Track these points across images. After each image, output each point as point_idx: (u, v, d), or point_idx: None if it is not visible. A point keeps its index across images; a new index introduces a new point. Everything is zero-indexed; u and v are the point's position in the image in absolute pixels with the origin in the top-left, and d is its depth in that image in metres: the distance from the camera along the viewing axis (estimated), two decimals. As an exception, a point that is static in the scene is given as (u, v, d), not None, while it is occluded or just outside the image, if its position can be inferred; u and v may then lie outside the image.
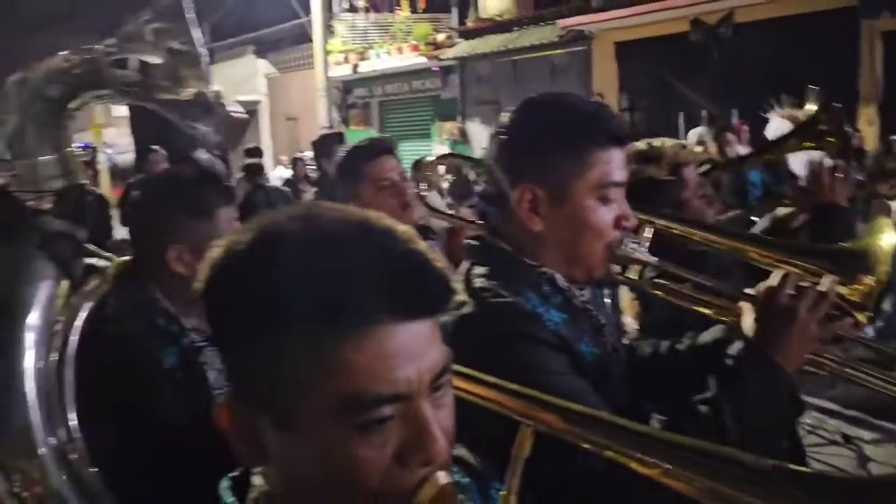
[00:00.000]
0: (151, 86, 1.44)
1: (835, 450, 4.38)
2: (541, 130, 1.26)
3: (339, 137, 5.18)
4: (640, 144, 1.95)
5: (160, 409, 1.43)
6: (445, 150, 13.09)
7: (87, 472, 1.20)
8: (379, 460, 0.63)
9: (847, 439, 4.46)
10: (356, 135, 16.01)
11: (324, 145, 4.85)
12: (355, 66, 15.64)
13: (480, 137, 13.15)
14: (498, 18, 13.11)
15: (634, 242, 1.29)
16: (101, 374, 1.34)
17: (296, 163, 9.18)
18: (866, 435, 4.58)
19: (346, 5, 16.36)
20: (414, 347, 0.64)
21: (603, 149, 1.24)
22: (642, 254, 1.30)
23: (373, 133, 16.18)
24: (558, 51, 11.90)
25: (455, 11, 14.21)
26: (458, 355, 0.71)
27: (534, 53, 12.16)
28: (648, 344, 1.52)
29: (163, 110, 1.47)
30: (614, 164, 1.25)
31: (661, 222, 1.44)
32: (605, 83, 11.42)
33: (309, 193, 4.71)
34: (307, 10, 15.75)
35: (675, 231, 1.46)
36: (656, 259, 1.31)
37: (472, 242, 1.37)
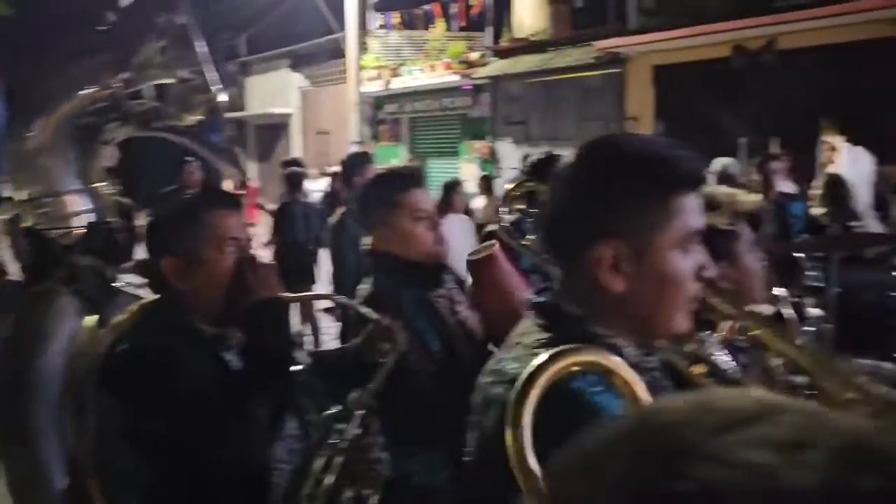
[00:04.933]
0: (163, 114, 1.41)
1: None
2: (621, 177, 1.11)
3: (368, 157, 5.09)
4: None
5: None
6: (474, 168, 12.99)
7: None
8: None
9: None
10: (386, 151, 16.03)
11: (354, 164, 4.73)
12: (387, 83, 15.62)
13: (510, 157, 13.00)
14: (532, 38, 12.97)
15: (721, 350, 1.11)
16: None
17: (335, 177, 9.03)
18: None
19: (380, 22, 16.40)
20: None
21: (686, 194, 1.11)
22: (726, 365, 1.11)
23: (402, 149, 16.13)
24: (592, 73, 11.70)
25: (490, 30, 14.11)
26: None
27: (567, 75, 11.98)
28: None
29: (173, 135, 1.44)
30: (695, 209, 1.12)
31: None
32: (641, 107, 11.19)
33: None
34: (342, 26, 15.79)
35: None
36: (740, 374, 1.12)
37: (538, 299, 1.20)
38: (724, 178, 6.69)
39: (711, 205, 1.70)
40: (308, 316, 6.16)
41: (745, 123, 9.12)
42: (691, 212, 1.11)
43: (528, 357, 1.10)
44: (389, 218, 2.17)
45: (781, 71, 9.02)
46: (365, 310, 1.73)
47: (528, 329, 1.17)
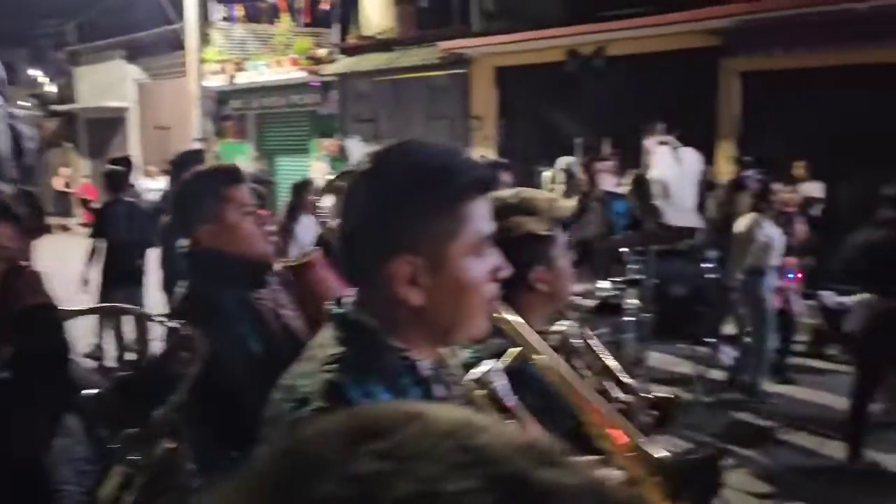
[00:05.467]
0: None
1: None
2: (409, 191, 1.10)
3: (200, 155, 4.88)
4: (511, 195, 1.82)
5: None
6: (324, 166, 12.83)
7: None
8: None
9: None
10: (231, 148, 15.50)
11: (186, 163, 4.51)
12: (232, 77, 15.10)
13: (360, 155, 12.94)
14: (380, 37, 13.01)
15: (502, 379, 1.15)
16: None
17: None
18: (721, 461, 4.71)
19: (223, 14, 15.81)
20: None
21: (475, 201, 1.12)
22: (504, 392, 1.16)
23: (249, 147, 15.65)
24: (438, 72, 11.91)
25: (337, 27, 13.99)
26: None
27: (414, 74, 12.12)
28: None
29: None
30: (485, 214, 1.14)
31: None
32: (484, 107, 11.53)
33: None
34: (182, 16, 15.07)
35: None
36: (514, 401, 1.17)
37: (337, 310, 1.17)
38: (568, 175, 7.06)
39: (530, 210, 1.78)
40: (140, 324, 5.86)
41: (580, 124, 9.65)
42: (481, 217, 1.13)
43: (318, 374, 1.08)
44: (218, 212, 2.11)
45: (611, 75, 9.62)
46: (159, 318, 1.68)
47: (324, 341, 1.15)
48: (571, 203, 2.10)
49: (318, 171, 12.39)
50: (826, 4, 8.01)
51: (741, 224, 5.63)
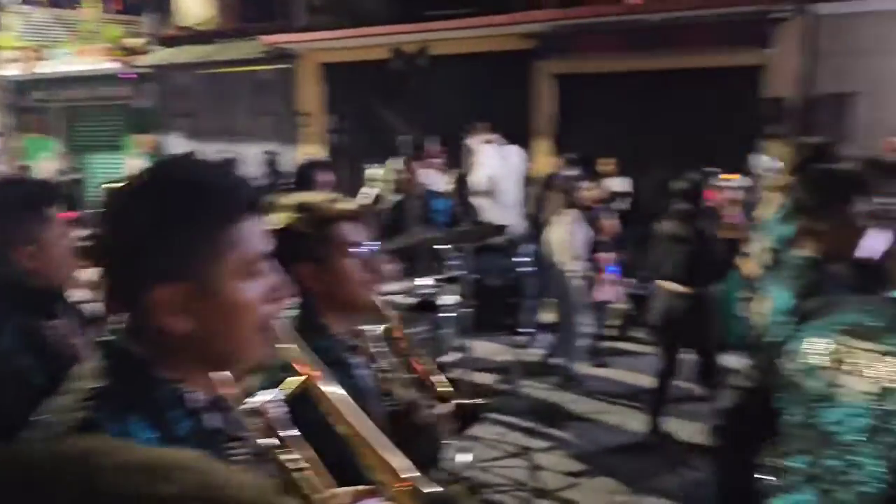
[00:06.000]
0: None
1: (512, 461, 4.71)
2: (169, 216, 1.04)
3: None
4: (294, 198, 1.82)
5: None
6: (140, 164, 12.08)
7: None
8: None
9: (523, 450, 4.84)
10: (36, 143, 14.17)
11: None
12: (32, 66, 13.82)
13: (181, 153, 12.33)
14: (199, 28, 12.44)
15: (280, 408, 1.14)
16: None
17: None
18: (538, 444, 4.98)
19: (21, -4, 14.43)
20: None
21: (243, 221, 1.08)
22: (280, 422, 1.14)
23: (55, 142, 14.39)
24: (262, 67, 11.58)
25: (152, 16, 13.19)
26: None
27: (237, 68, 11.71)
28: None
29: None
30: (257, 233, 1.10)
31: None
32: (311, 103, 11.38)
33: None
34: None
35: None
36: (295, 433, 1.15)
37: (105, 338, 1.09)
38: (399, 173, 7.12)
39: (301, 210, 1.77)
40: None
41: (406, 122, 9.76)
42: (252, 237, 1.09)
43: (75, 410, 1.00)
44: (41, 233, 1.98)
45: (435, 74, 9.82)
46: None
47: (86, 372, 1.06)
48: (349, 203, 2.08)
49: (134, 168, 11.65)
50: (625, 14, 8.68)
51: (553, 221, 5.97)
